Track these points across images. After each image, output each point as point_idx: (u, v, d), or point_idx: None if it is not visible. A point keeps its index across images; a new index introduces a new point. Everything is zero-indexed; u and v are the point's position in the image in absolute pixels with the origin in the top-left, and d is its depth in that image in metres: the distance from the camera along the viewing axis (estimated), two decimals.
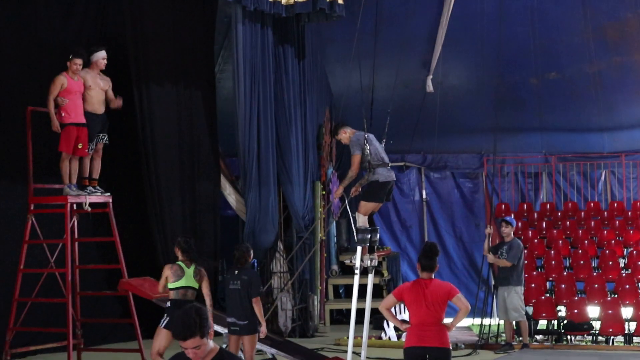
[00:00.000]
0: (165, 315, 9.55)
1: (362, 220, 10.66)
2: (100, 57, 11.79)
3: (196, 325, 4.61)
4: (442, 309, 7.86)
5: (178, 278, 9.50)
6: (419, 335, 7.78)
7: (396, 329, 14.34)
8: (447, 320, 7.86)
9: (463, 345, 13.55)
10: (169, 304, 9.57)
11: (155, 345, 9.59)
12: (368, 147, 10.47)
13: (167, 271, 9.56)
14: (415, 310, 7.80)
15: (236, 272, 9.91)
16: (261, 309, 9.94)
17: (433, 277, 7.91)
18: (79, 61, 11.46)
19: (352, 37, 16.35)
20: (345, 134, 10.81)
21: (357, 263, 10.66)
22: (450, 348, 7.99)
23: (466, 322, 14.88)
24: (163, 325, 9.51)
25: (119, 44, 13.77)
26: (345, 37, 16.68)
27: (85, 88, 11.59)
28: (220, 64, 16.76)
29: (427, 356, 7.73)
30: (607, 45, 18.18)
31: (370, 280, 10.93)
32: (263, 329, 10.01)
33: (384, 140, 11.16)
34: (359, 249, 10.68)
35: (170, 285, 9.53)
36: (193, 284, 9.55)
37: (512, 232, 13.35)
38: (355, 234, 10.72)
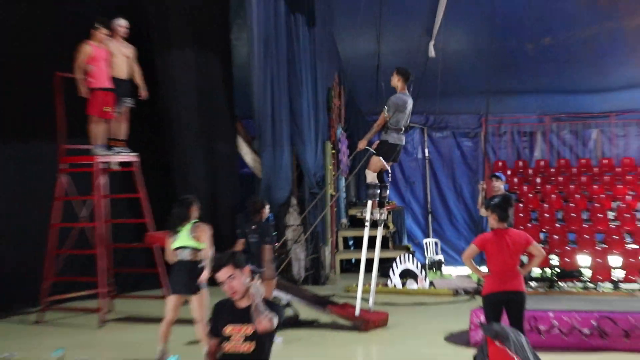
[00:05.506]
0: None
1: (371, 177, 10.70)
2: (119, 24, 11.75)
3: (226, 256, 4.63)
4: (519, 256, 7.91)
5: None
6: (500, 281, 7.80)
7: (402, 276, 14.46)
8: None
9: (463, 292, 13.65)
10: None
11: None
12: (399, 114, 10.40)
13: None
14: (497, 258, 7.82)
15: (253, 227, 9.95)
16: (269, 256, 10.02)
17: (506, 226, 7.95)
18: (104, 30, 11.47)
19: (360, 6, 16.34)
20: (398, 83, 10.50)
21: (368, 216, 10.74)
22: (526, 292, 7.96)
23: (466, 271, 14.98)
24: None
25: (142, 14, 13.75)
26: (353, 6, 16.60)
27: (110, 55, 11.59)
28: (235, 31, 16.68)
29: (506, 300, 7.75)
30: (599, 12, 18.02)
31: (379, 232, 11.01)
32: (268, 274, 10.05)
33: None
34: (369, 203, 10.73)
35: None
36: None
37: (502, 186, 13.07)
38: (365, 189, 10.78)
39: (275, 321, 4.62)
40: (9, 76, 12.74)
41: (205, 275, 8.33)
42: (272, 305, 4.76)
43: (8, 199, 12.85)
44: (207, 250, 8.42)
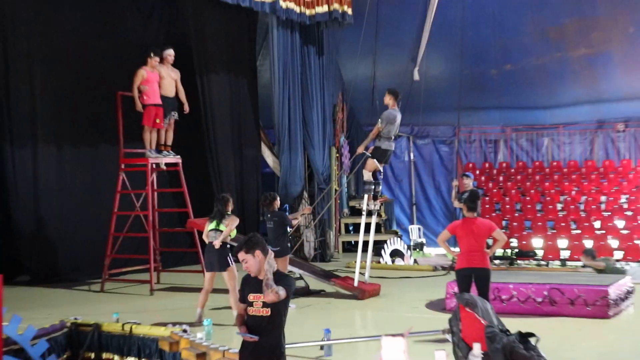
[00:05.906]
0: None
1: (367, 176, 10.65)
2: (168, 53, 11.70)
3: (242, 242, 4.60)
4: (485, 240, 7.83)
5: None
6: (467, 260, 7.73)
7: (391, 255, 14.42)
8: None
9: (440, 268, 13.57)
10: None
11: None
12: (390, 126, 10.31)
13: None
14: (465, 241, 7.74)
15: (269, 215, 9.86)
16: (297, 221, 10.59)
17: (475, 215, 7.85)
18: (156, 58, 11.41)
19: (359, 40, 16.31)
20: (390, 101, 10.37)
21: (364, 207, 10.69)
22: (490, 268, 7.88)
23: (443, 251, 14.90)
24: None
25: (186, 44, 13.71)
26: (353, 40, 16.56)
27: (160, 78, 11.55)
28: (260, 59, 16.69)
29: (473, 274, 7.69)
30: (550, 44, 17.99)
31: (374, 220, 10.95)
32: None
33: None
34: (366, 196, 10.69)
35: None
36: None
37: (470, 183, 12.79)
38: (363, 185, 10.74)
39: (282, 294, 4.53)
40: (82, 95, 12.78)
41: (217, 242, 8.58)
42: (286, 277, 4.71)
43: (80, 192, 12.85)
44: (226, 230, 8.64)
